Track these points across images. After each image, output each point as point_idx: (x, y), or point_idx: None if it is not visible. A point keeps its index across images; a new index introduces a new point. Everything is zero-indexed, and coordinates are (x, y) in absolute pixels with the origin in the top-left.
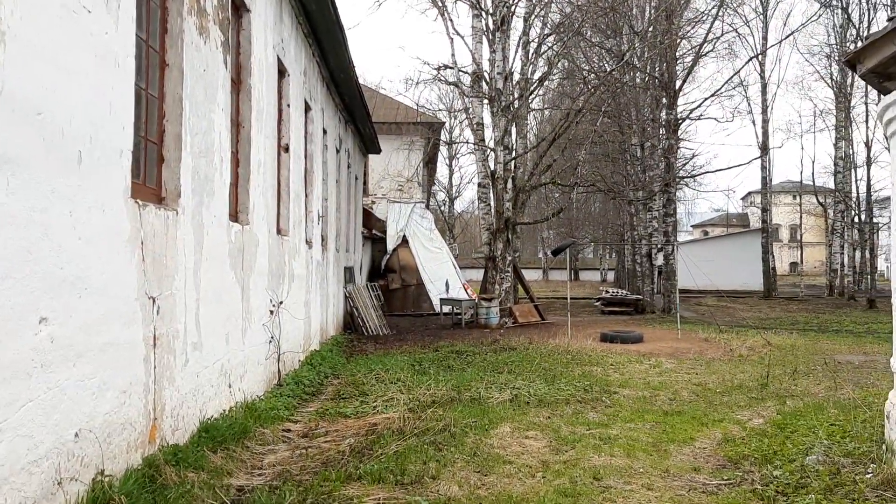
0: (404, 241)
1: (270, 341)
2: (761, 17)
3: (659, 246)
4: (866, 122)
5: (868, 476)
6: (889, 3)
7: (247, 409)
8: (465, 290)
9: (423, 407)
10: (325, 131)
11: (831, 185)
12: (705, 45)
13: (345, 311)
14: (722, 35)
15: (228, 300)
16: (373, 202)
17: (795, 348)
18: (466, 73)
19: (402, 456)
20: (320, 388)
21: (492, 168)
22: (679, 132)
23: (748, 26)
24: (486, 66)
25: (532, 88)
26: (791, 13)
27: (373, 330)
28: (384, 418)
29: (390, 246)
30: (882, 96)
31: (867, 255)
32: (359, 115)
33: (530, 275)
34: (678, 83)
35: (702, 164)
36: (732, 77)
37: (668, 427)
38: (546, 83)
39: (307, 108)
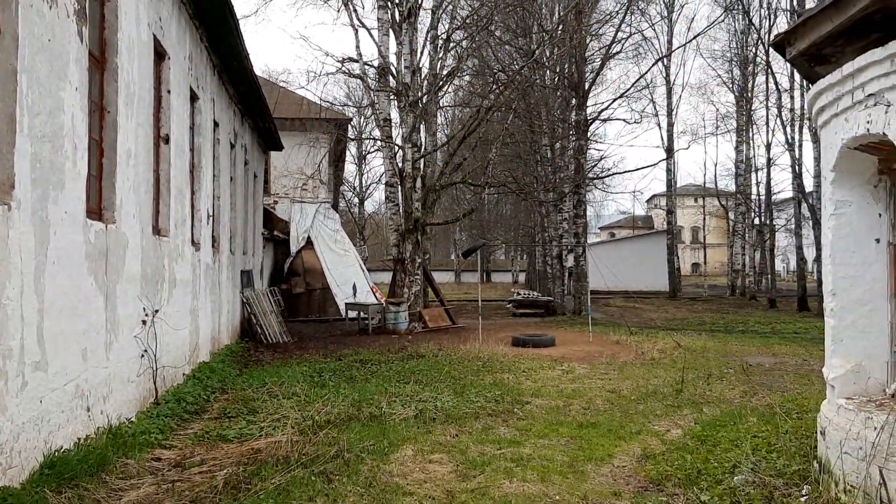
0: (309, 243)
1: (144, 355)
2: (666, 20)
3: (569, 247)
4: (767, 124)
5: (803, 499)
6: (788, 9)
7: (111, 436)
8: (374, 293)
9: (316, 427)
10: (216, 124)
11: (733, 187)
12: (613, 45)
13: (242, 318)
14: (629, 36)
15: (86, 310)
16: (275, 202)
17: (706, 350)
18: (372, 66)
19: (284, 491)
20: (205, 406)
21: (400, 166)
22: (588, 133)
23: (654, 29)
24: (392, 59)
25: (440, 84)
26: (695, 18)
27: (272, 338)
28: (270, 443)
29: (294, 248)
30: (811, 86)
31: (767, 256)
32: (257, 109)
33: (442, 277)
34: (587, 84)
35: (610, 166)
36: (639, 79)
37: (583, 442)
38: (456, 81)
39: (194, 98)
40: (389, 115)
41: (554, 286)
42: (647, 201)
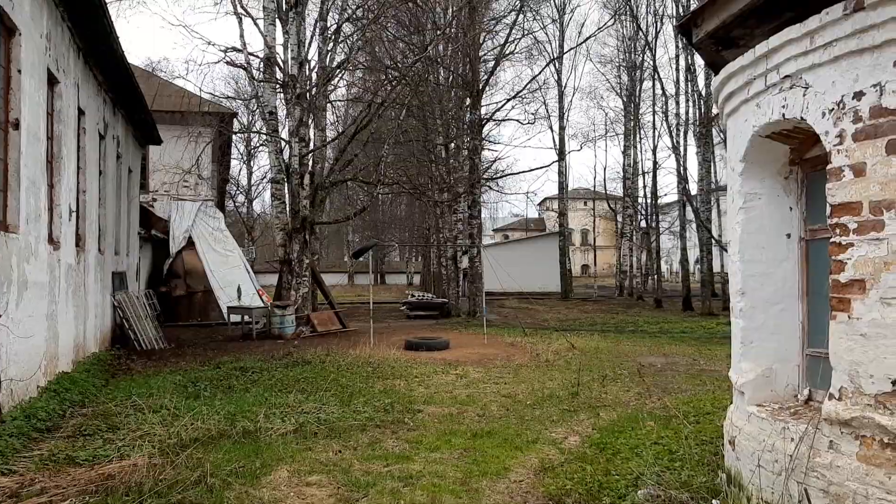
0: (190, 243)
1: None
2: (557, 23)
3: (464, 249)
4: (654, 129)
5: None
6: (674, 16)
7: None
8: (261, 296)
9: (181, 446)
10: (82, 111)
11: (621, 191)
12: (507, 45)
13: (113, 324)
14: (523, 37)
15: None
16: (154, 199)
17: (599, 351)
18: (258, 57)
19: None
20: (59, 423)
21: (287, 162)
22: (483, 134)
23: (546, 33)
24: (279, 50)
25: (329, 76)
26: (585, 23)
27: (147, 344)
28: (125, 466)
29: (174, 248)
30: (714, 76)
31: (653, 257)
32: (131, 99)
33: (335, 279)
34: (481, 84)
35: (504, 167)
36: (532, 81)
37: (478, 454)
38: (348, 77)
39: (54, 81)
40: (275, 107)
41: (449, 288)
42: (539, 204)
